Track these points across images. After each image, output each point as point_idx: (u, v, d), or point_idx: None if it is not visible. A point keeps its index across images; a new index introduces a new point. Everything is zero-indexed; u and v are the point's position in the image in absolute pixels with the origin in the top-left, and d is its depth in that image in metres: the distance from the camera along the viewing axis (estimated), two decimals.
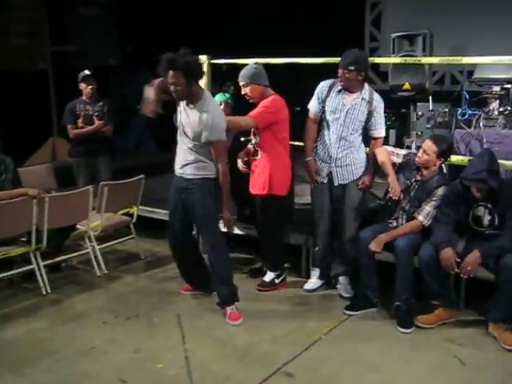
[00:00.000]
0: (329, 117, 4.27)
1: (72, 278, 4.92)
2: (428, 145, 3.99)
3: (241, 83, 4.33)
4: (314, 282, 4.57)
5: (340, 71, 4.14)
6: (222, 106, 4.75)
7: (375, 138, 4.31)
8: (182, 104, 3.94)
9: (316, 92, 4.35)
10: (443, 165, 4.14)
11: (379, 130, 4.29)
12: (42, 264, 4.53)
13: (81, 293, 4.56)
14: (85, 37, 9.09)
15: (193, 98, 3.85)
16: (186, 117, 3.90)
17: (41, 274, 4.51)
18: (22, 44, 8.98)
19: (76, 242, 5.09)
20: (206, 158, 3.93)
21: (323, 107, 4.29)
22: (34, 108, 8.42)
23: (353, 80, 4.13)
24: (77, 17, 9.37)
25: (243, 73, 4.33)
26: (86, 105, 5.71)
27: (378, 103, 4.24)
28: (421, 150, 4.02)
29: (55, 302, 4.42)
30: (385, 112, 4.36)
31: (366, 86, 4.25)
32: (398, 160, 4.19)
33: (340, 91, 4.22)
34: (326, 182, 4.34)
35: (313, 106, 4.36)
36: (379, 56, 8.28)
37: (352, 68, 4.07)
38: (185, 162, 3.98)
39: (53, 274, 4.82)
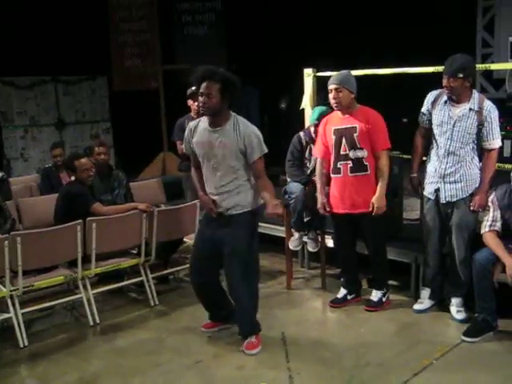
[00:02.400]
0: (436, 130, 4.06)
1: (179, 290, 5.03)
2: None
3: (333, 86, 4.08)
4: (424, 302, 4.33)
5: (445, 79, 3.89)
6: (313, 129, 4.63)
7: (488, 150, 4.01)
8: (203, 125, 3.72)
9: (424, 103, 4.16)
10: None
11: (492, 141, 3.96)
12: (150, 276, 4.67)
13: (187, 305, 4.62)
14: (193, 55, 9.38)
15: (221, 118, 3.62)
16: (213, 139, 3.65)
17: (149, 286, 4.65)
18: (136, 65, 9.49)
19: (183, 255, 5.19)
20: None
21: (429, 120, 4.10)
22: (146, 124, 8.83)
23: (459, 88, 3.87)
24: (186, 36, 9.75)
25: (339, 77, 4.13)
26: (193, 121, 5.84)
27: (489, 112, 3.91)
28: None
29: (162, 313, 4.53)
30: (499, 121, 4.03)
31: (476, 93, 3.98)
32: None
33: (446, 102, 4.00)
34: (433, 198, 4.12)
35: (420, 117, 4.20)
36: (493, 62, 7.79)
37: (461, 75, 3.80)
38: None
39: (161, 285, 4.97)
